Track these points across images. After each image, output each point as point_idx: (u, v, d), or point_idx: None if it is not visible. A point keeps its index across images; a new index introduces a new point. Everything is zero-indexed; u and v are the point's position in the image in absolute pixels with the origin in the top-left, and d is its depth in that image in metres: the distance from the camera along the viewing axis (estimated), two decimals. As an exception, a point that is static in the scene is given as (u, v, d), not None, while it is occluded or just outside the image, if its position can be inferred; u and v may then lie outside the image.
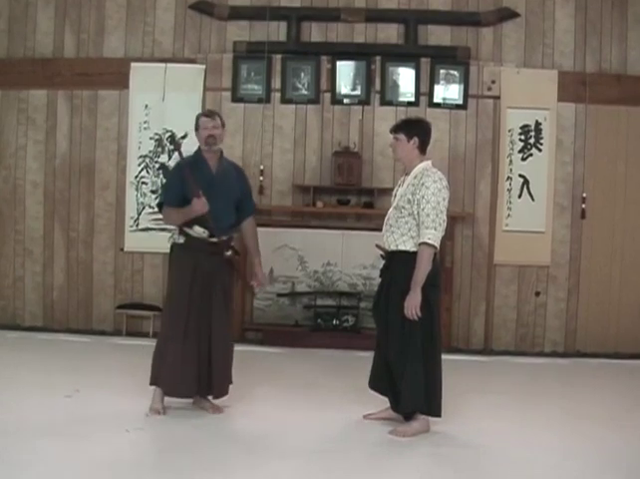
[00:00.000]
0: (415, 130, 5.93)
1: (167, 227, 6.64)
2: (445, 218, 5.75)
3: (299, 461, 5.17)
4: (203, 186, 5.92)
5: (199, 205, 5.83)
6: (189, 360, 5.93)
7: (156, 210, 9.09)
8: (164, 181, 6.99)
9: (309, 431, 5.85)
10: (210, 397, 6.18)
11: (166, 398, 6.05)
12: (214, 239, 6.03)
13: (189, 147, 8.74)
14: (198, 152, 6.21)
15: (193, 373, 5.95)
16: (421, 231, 5.65)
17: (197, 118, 6.27)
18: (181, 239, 6.05)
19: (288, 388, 7.09)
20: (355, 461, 5.24)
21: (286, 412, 6.32)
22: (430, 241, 5.62)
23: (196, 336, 5.95)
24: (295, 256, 9.30)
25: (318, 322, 9.14)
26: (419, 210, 5.68)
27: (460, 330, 9.36)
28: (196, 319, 5.97)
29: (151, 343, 8.38)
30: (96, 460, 4.96)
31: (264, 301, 9.29)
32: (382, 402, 6.13)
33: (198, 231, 5.99)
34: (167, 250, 6.23)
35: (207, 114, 6.34)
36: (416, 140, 5.88)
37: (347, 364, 8.18)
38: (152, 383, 6.06)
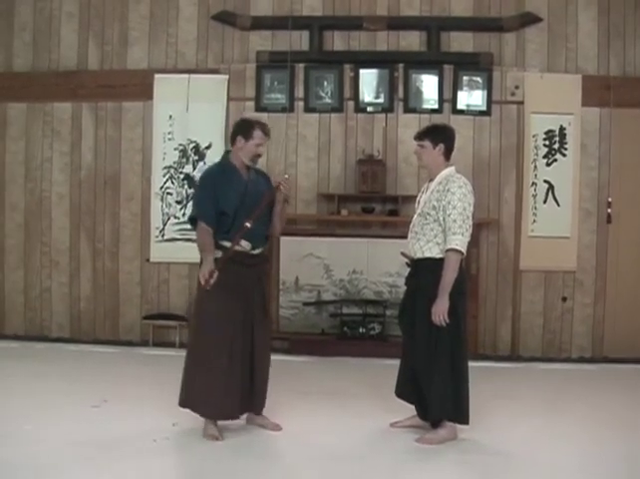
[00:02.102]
0: (440, 136, 5.93)
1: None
2: (471, 223, 5.74)
3: (326, 469, 5.19)
4: (237, 197, 5.79)
5: (206, 278, 5.64)
6: (234, 380, 5.71)
7: (181, 220, 9.21)
8: (195, 192, 6.71)
9: (336, 439, 5.86)
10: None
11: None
12: (256, 251, 5.91)
13: (214, 157, 8.97)
14: (226, 159, 6.02)
15: (238, 393, 5.76)
16: (447, 237, 5.64)
17: (252, 126, 5.94)
18: (219, 254, 5.76)
19: (314, 396, 7.09)
20: (382, 469, 5.25)
21: (313, 420, 6.35)
22: (457, 247, 5.61)
23: (240, 354, 5.75)
24: (321, 265, 9.29)
25: (344, 331, 9.12)
26: (444, 216, 5.66)
27: (486, 337, 9.33)
28: (239, 336, 5.75)
29: (177, 354, 8.48)
30: (123, 470, 4.99)
31: (290, 310, 9.29)
32: (408, 410, 6.12)
33: (244, 244, 5.80)
34: (194, 261, 6.09)
35: (266, 131, 5.99)
36: (441, 146, 5.88)
37: (373, 372, 8.15)
38: (183, 406, 5.86)
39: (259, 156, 5.96)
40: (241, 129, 5.97)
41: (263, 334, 5.97)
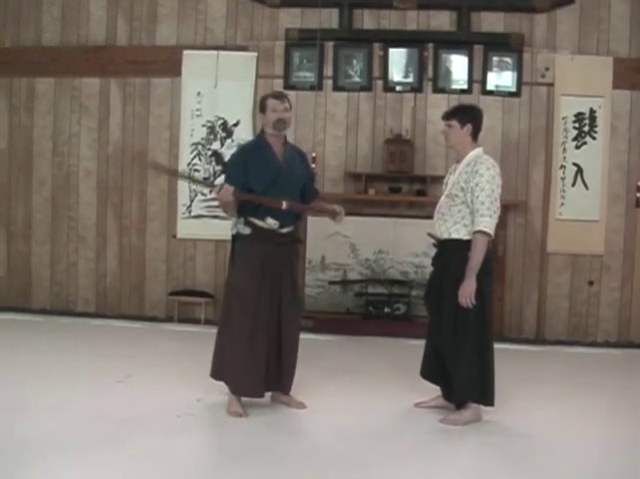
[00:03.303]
0: (468, 116, 5.89)
1: (223, 214, 6.47)
2: (499, 205, 5.71)
3: (349, 448, 5.20)
4: (270, 175, 5.76)
5: (225, 193, 5.60)
6: (259, 359, 5.72)
7: (208, 197, 9.22)
8: (226, 168, 6.65)
9: (359, 418, 5.88)
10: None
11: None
12: (284, 230, 5.86)
13: (242, 134, 8.98)
14: (261, 136, 5.97)
15: (263, 371, 5.76)
16: (475, 218, 5.62)
17: (265, 98, 5.95)
18: (247, 230, 5.78)
19: (339, 375, 7.10)
20: (406, 449, 5.25)
21: (336, 399, 6.36)
22: (485, 229, 5.59)
23: (267, 332, 5.75)
24: (347, 244, 9.28)
25: (369, 310, 9.12)
26: (473, 197, 5.64)
27: (512, 319, 9.30)
28: (266, 314, 5.74)
29: (202, 330, 8.52)
30: (147, 445, 5.02)
31: (316, 289, 9.29)
32: (433, 391, 6.13)
33: (270, 222, 5.77)
34: (220, 237, 6.11)
35: (277, 95, 5.98)
36: (469, 127, 5.85)
37: (398, 352, 8.16)
38: (216, 378, 5.94)
39: (282, 120, 5.84)
40: (260, 107, 6.01)
41: (292, 315, 5.95)
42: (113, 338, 8.57)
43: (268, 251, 5.77)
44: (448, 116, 5.97)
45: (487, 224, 5.61)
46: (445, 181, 6.09)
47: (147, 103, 9.77)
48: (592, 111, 9.17)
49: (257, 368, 5.74)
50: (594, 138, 9.18)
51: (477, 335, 5.71)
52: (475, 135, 5.90)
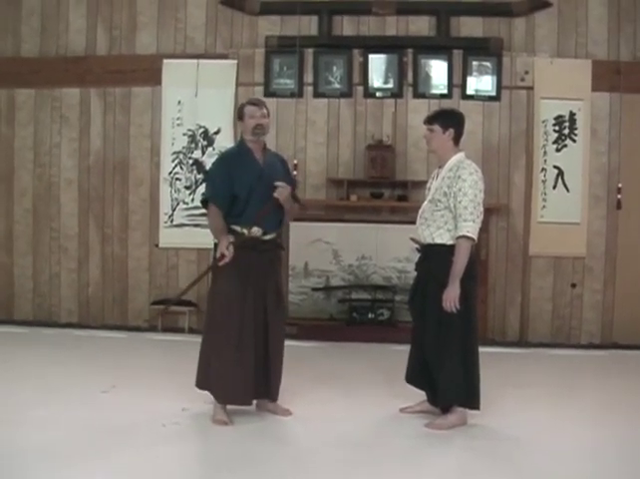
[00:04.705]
0: (450, 121, 5.91)
1: (205, 223, 6.39)
2: (482, 210, 5.73)
3: (335, 454, 5.19)
4: (251, 179, 5.77)
5: (224, 256, 5.64)
6: (246, 366, 5.70)
7: (190, 206, 9.23)
8: (207, 174, 6.63)
9: (345, 424, 5.86)
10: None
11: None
12: (266, 237, 5.87)
13: (223, 143, 8.99)
14: (242, 143, 5.99)
15: (250, 379, 5.73)
16: (458, 223, 5.63)
17: (242, 106, 5.99)
18: (231, 238, 5.71)
19: (323, 382, 7.09)
20: (392, 454, 5.25)
21: (322, 405, 6.35)
22: (468, 234, 5.60)
23: (252, 340, 5.72)
24: (329, 250, 9.28)
25: (353, 316, 9.12)
26: (455, 202, 5.65)
27: (495, 322, 9.33)
28: (251, 322, 5.73)
29: (186, 339, 8.51)
30: (132, 455, 5.01)
31: (299, 296, 9.28)
32: (418, 395, 6.14)
33: (254, 229, 5.78)
34: (203, 246, 6.10)
35: (255, 102, 6.02)
36: (451, 131, 5.86)
37: (382, 358, 8.16)
38: (201, 387, 5.91)
39: (260, 126, 5.86)
40: (238, 115, 6.06)
41: (277, 322, 5.93)
42: (97, 349, 8.52)
43: (251, 259, 5.75)
44: (430, 120, 5.98)
45: (471, 228, 5.62)
46: (427, 186, 6.10)
47: (127, 112, 9.76)
48: (572, 114, 9.21)
49: (244, 376, 5.71)
50: (574, 140, 9.22)
51: (461, 339, 5.72)
52: (457, 139, 5.91)
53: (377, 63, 9.42)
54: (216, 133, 9.47)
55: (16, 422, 5.62)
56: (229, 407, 5.84)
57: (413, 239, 6.12)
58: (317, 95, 9.49)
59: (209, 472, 4.89)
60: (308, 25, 9.52)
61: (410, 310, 6.28)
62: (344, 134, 9.48)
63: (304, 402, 6.32)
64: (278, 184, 5.84)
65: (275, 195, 5.81)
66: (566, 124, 9.23)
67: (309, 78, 9.49)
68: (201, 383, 5.90)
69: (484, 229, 8.34)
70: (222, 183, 5.78)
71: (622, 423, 5.96)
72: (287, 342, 6.14)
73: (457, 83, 9.36)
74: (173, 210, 9.54)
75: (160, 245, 9.64)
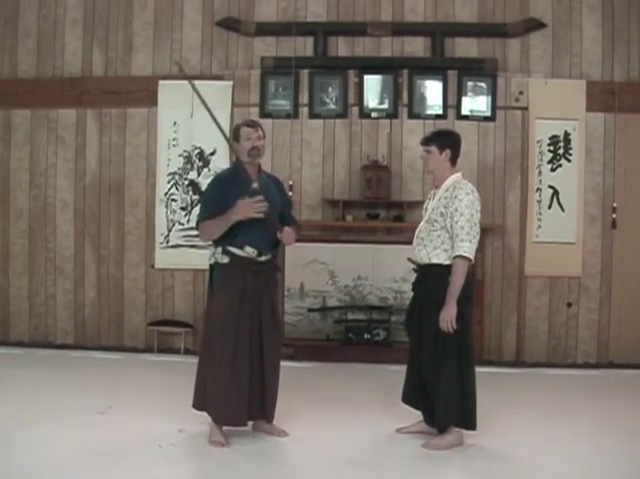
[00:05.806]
0: (447, 142, 5.93)
1: (201, 244, 6.42)
2: (478, 230, 5.75)
3: (332, 475, 5.20)
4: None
5: (245, 206, 5.61)
6: (242, 387, 5.69)
7: (186, 226, 9.24)
8: (203, 196, 6.63)
9: (342, 445, 5.86)
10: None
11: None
12: (262, 258, 5.85)
13: (219, 163, 9.00)
14: (237, 164, 5.96)
15: (246, 399, 5.73)
16: (455, 243, 5.65)
17: (238, 127, 6.01)
18: (226, 259, 5.75)
19: (320, 402, 7.07)
20: (389, 475, 5.26)
21: (318, 426, 6.34)
22: (465, 254, 5.62)
23: (247, 361, 5.72)
24: (325, 271, 9.28)
25: (349, 337, 9.10)
26: (452, 222, 5.67)
27: (491, 342, 9.32)
28: (247, 343, 5.72)
29: (182, 360, 8.50)
30: (129, 476, 5.00)
31: (295, 316, 9.27)
32: (415, 416, 6.13)
33: (249, 250, 5.76)
34: (198, 267, 6.10)
35: (250, 123, 6.02)
36: (448, 152, 5.88)
37: (378, 378, 8.14)
38: (198, 408, 5.91)
39: (255, 148, 5.86)
40: (234, 136, 6.05)
41: (273, 343, 5.92)
42: (93, 370, 8.50)
43: (247, 280, 5.75)
44: (426, 141, 5.99)
45: (467, 248, 5.63)
46: (424, 206, 6.11)
47: (123, 133, 9.77)
48: (567, 134, 9.24)
49: (240, 396, 5.71)
50: (569, 160, 9.24)
51: (458, 360, 5.72)
52: (453, 160, 5.94)
53: (372, 84, 9.44)
54: (212, 154, 9.47)
55: (12, 442, 5.62)
56: (226, 428, 5.83)
57: (410, 260, 6.12)
58: (312, 116, 9.51)
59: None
60: (303, 46, 9.55)
61: (406, 330, 6.27)
62: (339, 154, 9.49)
63: (301, 423, 6.31)
64: (285, 229, 5.87)
65: (281, 238, 5.87)
66: (561, 144, 9.25)
67: (304, 99, 9.51)
68: (198, 404, 5.90)
69: (480, 249, 8.28)
70: (216, 203, 5.75)
71: (619, 443, 5.96)
72: (283, 363, 6.14)
73: (452, 103, 9.38)
74: (169, 230, 9.54)
75: (156, 266, 9.63)
